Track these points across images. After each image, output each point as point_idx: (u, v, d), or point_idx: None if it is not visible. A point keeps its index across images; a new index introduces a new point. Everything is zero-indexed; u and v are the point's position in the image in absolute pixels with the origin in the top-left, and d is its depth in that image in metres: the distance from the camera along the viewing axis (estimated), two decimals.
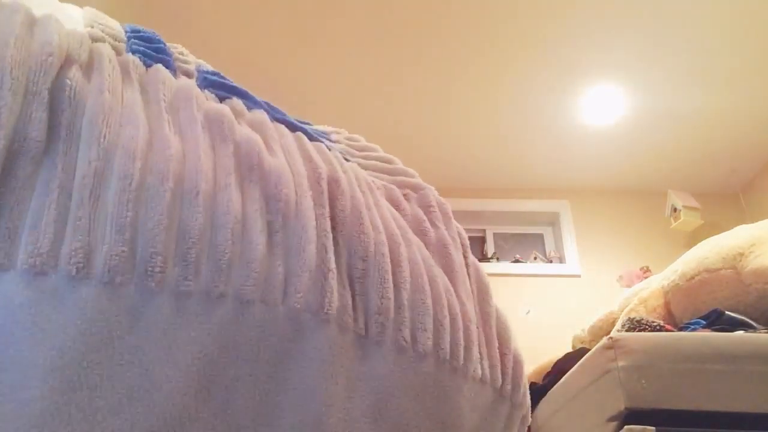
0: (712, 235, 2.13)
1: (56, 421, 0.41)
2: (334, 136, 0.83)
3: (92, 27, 0.62)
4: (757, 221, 2.10)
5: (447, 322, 0.62)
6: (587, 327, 2.59)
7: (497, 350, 0.69)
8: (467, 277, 0.70)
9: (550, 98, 3.40)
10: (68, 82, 0.51)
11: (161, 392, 0.45)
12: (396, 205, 0.71)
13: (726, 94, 3.32)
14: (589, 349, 1.79)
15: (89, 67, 0.55)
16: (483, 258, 4.01)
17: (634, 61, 3.14)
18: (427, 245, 0.68)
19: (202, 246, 0.49)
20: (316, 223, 0.56)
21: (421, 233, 0.69)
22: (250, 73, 3.18)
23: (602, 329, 2.46)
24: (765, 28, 2.92)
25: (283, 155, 0.61)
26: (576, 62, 3.16)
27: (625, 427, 1.40)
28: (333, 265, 0.55)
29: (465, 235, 0.76)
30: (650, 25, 2.92)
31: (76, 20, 0.62)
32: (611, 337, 1.55)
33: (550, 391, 2.11)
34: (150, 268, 0.46)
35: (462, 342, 0.62)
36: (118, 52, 0.61)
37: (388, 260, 0.59)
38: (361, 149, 0.84)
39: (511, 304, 3.61)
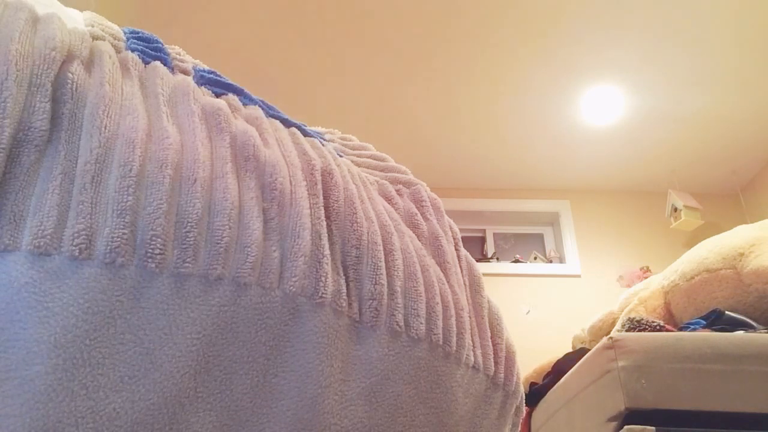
0: (712, 235, 2.13)
1: (60, 397, 0.43)
2: (327, 136, 0.85)
3: (92, 27, 0.64)
4: (757, 221, 2.10)
5: (439, 309, 0.63)
6: (587, 327, 2.59)
7: (489, 340, 0.71)
8: (459, 268, 0.72)
9: (550, 98, 3.40)
10: (70, 75, 0.53)
11: (161, 371, 0.46)
12: (389, 200, 0.73)
13: (726, 94, 3.32)
14: (589, 349, 1.79)
15: (90, 63, 0.57)
16: (483, 258, 4.01)
17: (634, 61, 3.14)
18: (419, 237, 0.70)
19: (200, 230, 0.51)
20: (311, 211, 0.58)
21: (413, 226, 0.71)
22: (250, 73, 3.19)
23: (602, 329, 2.46)
24: (765, 28, 2.92)
25: (277, 147, 0.64)
26: (576, 62, 3.16)
27: (625, 427, 1.41)
28: (327, 251, 0.57)
29: (457, 229, 0.78)
30: (650, 25, 2.93)
31: (77, 21, 0.64)
32: (611, 337, 1.55)
33: (550, 391, 2.11)
34: (150, 250, 0.48)
35: (454, 329, 0.64)
36: (117, 50, 0.63)
37: (381, 249, 0.61)
38: (355, 148, 0.86)
39: (511, 304, 3.62)
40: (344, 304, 0.56)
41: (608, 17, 2.90)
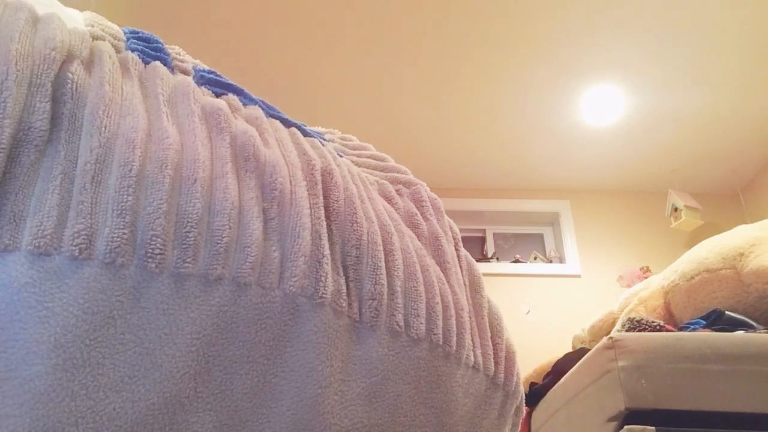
0: (712, 235, 2.13)
1: (60, 397, 0.43)
2: (327, 136, 0.85)
3: (92, 27, 0.64)
4: (757, 221, 2.11)
5: (439, 309, 0.63)
6: (587, 327, 2.59)
7: (490, 340, 0.71)
8: (459, 268, 0.72)
9: (550, 98, 3.40)
10: (70, 75, 0.53)
11: (162, 371, 0.46)
12: (389, 200, 0.73)
13: (726, 94, 3.32)
14: (589, 349, 1.79)
15: (90, 63, 0.57)
16: (483, 258, 4.01)
17: (634, 61, 3.14)
18: (419, 238, 0.70)
19: (200, 230, 0.51)
20: (311, 211, 0.58)
21: (413, 226, 0.71)
22: (250, 73, 3.19)
23: (602, 329, 2.46)
24: (765, 28, 2.92)
25: (277, 147, 0.64)
26: (576, 62, 3.16)
27: (625, 427, 1.41)
28: (327, 251, 0.57)
29: (457, 229, 0.78)
30: (650, 25, 2.93)
31: (77, 21, 0.64)
32: (611, 337, 1.55)
33: (550, 391, 2.11)
34: (150, 250, 0.48)
35: (454, 329, 0.64)
36: (117, 50, 0.63)
37: (381, 248, 0.61)
38: (354, 148, 0.86)
39: (511, 304, 3.62)
40: (344, 304, 0.56)
41: (608, 17, 2.90)
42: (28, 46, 0.51)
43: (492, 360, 0.70)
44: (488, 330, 0.71)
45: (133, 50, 0.65)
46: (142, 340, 0.46)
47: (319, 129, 0.88)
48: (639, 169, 3.94)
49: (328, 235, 0.59)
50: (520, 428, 0.78)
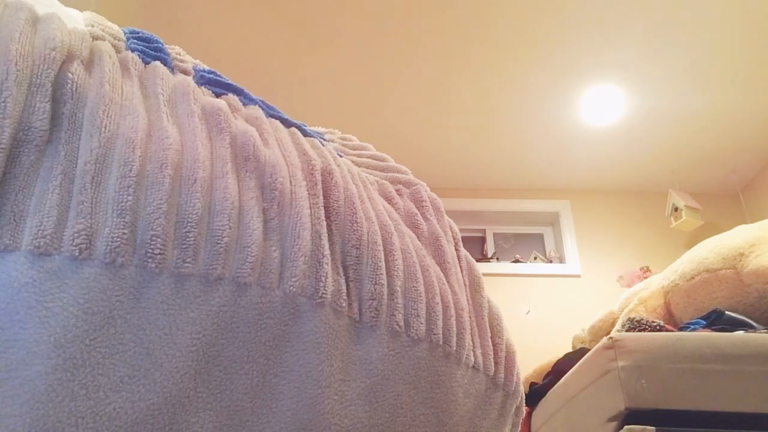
0: (712, 235, 2.13)
1: (60, 397, 0.43)
2: (327, 136, 0.85)
3: (92, 27, 0.64)
4: (757, 221, 2.10)
5: (439, 309, 0.64)
6: (587, 327, 2.59)
7: (489, 340, 0.71)
8: (459, 268, 0.72)
9: (550, 98, 3.40)
10: (70, 75, 0.53)
11: (161, 371, 0.46)
12: (389, 200, 0.73)
13: (726, 94, 3.32)
14: (589, 349, 1.79)
15: (90, 63, 0.57)
16: (483, 258, 4.01)
17: (634, 61, 3.14)
18: (419, 238, 0.70)
19: (200, 230, 0.51)
20: (311, 212, 0.58)
21: (413, 226, 0.71)
22: (249, 73, 3.19)
23: (602, 329, 2.46)
24: (765, 28, 2.92)
25: (278, 147, 0.64)
26: (576, 62, 3.16)
27: (625, 427, 1.41)
28: (327, 251, 0.57)
29: (457, 229, 0.78)
30: (650, 25, 2.93)
31: (77, 21, 0.64)
32: (611, 337, 1.55)
33: (550, 391, 2.11)
34: (150, 250, 0.48)
35: (454, 329, 0.64)
36: (117, 50, 0.63)
37: (381, 249, 0.61)
38: (355, 148, 0.86)
39: (511, 304, 3.62)
40: (344, 304, 0.56)
41: (608, 17, 2.90)
42: (28, 46, 0.51)
43: (492, 360, 0.70)
44: (488, 330, 0.71)
45: (133, 50, 0.65)
46: (142, 340, 0.46)
47: (319, 129, 0.88)
48: (639, 169, 3.94)
49: (328, 235, 0.59)
50: (520, 428, 0.78)
